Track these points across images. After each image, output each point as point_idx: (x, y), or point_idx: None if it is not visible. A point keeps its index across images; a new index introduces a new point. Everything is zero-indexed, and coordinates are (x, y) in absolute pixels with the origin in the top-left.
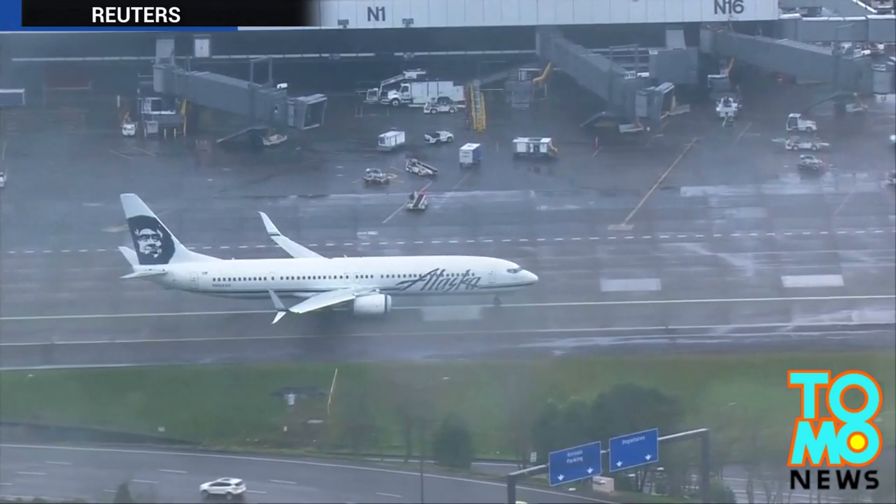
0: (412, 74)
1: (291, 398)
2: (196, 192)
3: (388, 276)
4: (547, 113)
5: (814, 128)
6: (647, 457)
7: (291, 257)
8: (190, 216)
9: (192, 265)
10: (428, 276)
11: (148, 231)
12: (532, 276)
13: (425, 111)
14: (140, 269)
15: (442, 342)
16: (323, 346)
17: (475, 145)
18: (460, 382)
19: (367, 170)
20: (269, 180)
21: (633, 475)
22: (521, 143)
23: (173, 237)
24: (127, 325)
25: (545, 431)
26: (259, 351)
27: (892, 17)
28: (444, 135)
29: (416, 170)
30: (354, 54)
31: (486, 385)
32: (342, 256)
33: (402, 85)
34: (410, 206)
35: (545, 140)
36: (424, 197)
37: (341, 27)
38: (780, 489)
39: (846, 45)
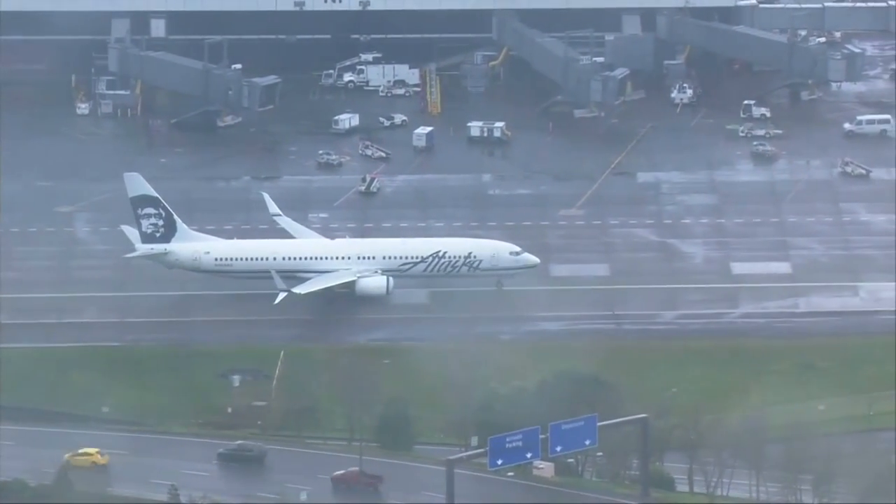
0: (368, 57)
1: (236, 380)
2: (148, 172)
3: (390, 258)
4: (502, 97)
5: (768, 115)
6: (587, 442)
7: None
8: None
9: (195, 245)
10: (430, 258)
11: (150, 210)
12: (534, 259)
13: (381, 94)
14: (142, 248)
15: (391, 325)
16: (269, 328)
17: (429, 128)
18: (404, 366)
19: (321, 152)
20: (223, 161)
21: (572, 460)
22: (475, 127)
23: (175, 216)
24: (74, 305)
25: (487, 415)
26: (206, 332)
27: (849, 4)
28: (399, 118)
29: (369, 152)
30: (310, 36)
31: (430, 369)
32: (345, 237)
33: (358, 67)
34: (362, 188)
35: (499, 124)
36: (377, 180)
37: (298, 8)
38: (720, 475)
39: (802, 33)
